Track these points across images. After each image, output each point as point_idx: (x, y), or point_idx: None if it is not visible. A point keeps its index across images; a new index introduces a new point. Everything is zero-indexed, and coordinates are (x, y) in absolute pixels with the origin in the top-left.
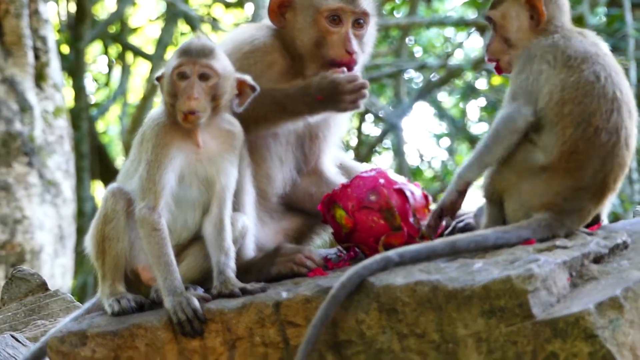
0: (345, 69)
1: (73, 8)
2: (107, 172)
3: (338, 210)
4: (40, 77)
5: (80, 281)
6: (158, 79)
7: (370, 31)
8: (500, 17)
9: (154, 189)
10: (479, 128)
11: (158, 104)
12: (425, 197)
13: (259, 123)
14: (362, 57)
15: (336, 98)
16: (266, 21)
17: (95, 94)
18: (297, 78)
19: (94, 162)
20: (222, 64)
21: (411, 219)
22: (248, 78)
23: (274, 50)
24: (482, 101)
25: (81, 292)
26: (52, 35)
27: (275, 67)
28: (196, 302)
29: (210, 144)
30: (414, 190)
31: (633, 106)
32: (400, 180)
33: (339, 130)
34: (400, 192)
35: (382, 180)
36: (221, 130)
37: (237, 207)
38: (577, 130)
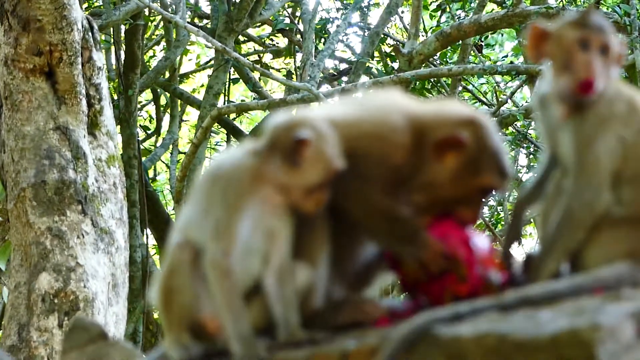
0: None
1: (123, 56)
2: (157, 220)
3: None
4: (93, 125)
5: (130, 330)
6: (298, 142)
7: None
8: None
9: (229, 234)
10: (529, 176)
11: (217, 151)
12: (492, 249)
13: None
14: None
15: (406, 245)
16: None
17: (145, 142)
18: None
19: (145, 209)
20: None
21: (477, 269)
22: None
23: (404, 150)
24: (531, 149)
25: (131, 340)
26: (105, 83)
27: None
28: (264, 352)
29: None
30: (481, 241)
31: None
32: (468, 230)
33: None
34: (468, 243)
35: (449, 230)
36: None
37: (310, 258)
38: None
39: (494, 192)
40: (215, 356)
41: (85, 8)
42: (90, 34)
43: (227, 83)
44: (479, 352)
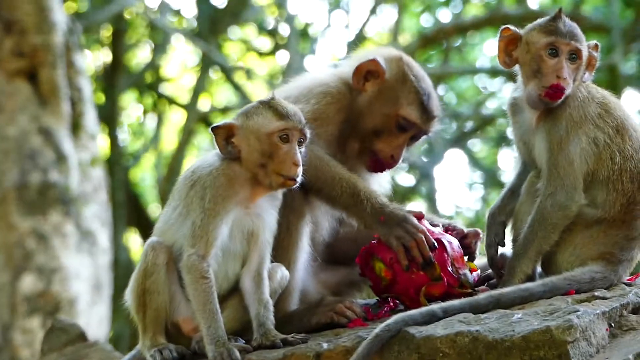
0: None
1: (108, 58)
2: (141, 221)
3: (377, 263)
4: (76, 127)
5: (115, 330)
6: (216, 129)
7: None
8: (585, 53)
9: (206, 238)
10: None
11: (201, 153)
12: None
13: (319, 192)
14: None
15: (394, 229)
16: (339, 71)
17: (129, 143)
18: (341, 142)
19: (129, 211)
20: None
21: (450, 269)
22: None
23: (340, 103)
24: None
25: (117, 342)
26: (87, 86)
27: (336, 118)
28: (237, 353)
29: (259, 201)
30: (452, 240)
31: None
32: (438, 229)
33: (381, 181)
34: (439, 242)
35: (433, 242)
36: None
37: (288, 261)
38: (633, 183)
39: (418, 135)
40: (190, 358)
41: (68, 10)
42: (73, 36)
43: (211, 85)
44: (451, 352)
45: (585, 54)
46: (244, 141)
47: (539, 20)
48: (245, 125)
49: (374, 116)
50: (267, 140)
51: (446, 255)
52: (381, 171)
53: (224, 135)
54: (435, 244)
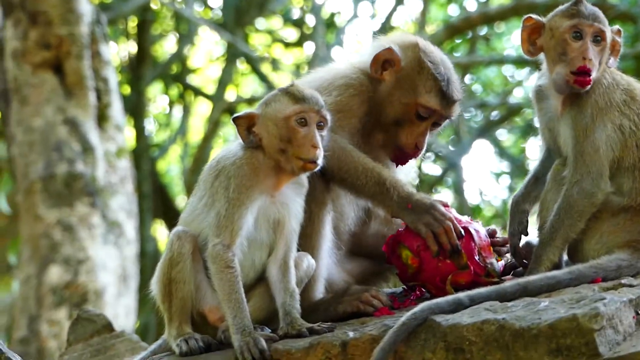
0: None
1: (134, 49)
2: (168, 212)
3: (404, 251)
4: (102, 118)
5: (142, 321)
6: (237, 119)
7: None
8: (609, 35)
9: (232, 227)
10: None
11: (228, 143)
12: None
13: (343, 182)
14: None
15: (422, 216)
16: (359, 62)
17: (156, 134)
18: (365, 133)
19: (156, 202)
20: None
21: (477, 257)
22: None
23: (363, 95)
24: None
25: (144, 332)
26: (113, 76)
27: (359, 110)
28: (263, 342)
29: (284, 189)
30: (479, 229)
31: None
32: (465, 218)
33: (406, 171)
34: (466, 231)
35: (461, 230)
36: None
37: (311, 249)
38: None
39: (439, 121)
40: (216, 347)
41: (94, 1)
42: (98, 27)
43: (237, 76)
44: (478, 340)
45: (609, 36)
46: (264, 129)
47: (561, 7)
48: (265, 113)
49: (394, 106)
50: (285, 124)
51: (473, 244)
52: (405, 162)
53: (246, 125)
54: (463, 232)
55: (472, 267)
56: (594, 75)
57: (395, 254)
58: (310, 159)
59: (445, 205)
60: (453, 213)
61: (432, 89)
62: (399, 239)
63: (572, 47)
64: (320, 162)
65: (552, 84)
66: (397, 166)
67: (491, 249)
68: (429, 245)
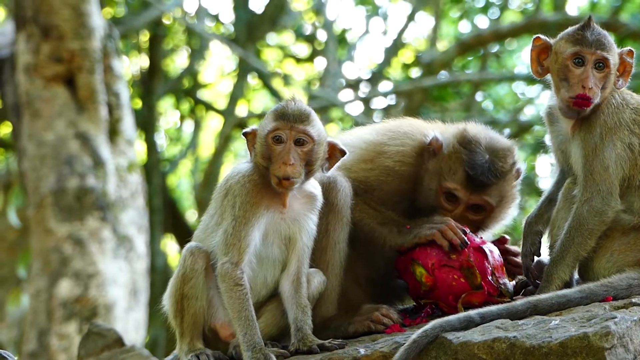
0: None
1: (145, 63)
2: (178, 227)
3: (418, 268)
4: (113, 132)
5: (152, 336)
6: (246, 134)
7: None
8: (613, 62)
9: (239, 245)
10: (548, 184)
11: (239, 159)
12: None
13: (360, 221)
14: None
15: (423, 226)
16: (419, 134)
17: (166, 149)
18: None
19: (166, 216)
20: (318, 129)
21: (490, 277)
22: (339, 142)
23: (406, 172)
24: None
25: (153, 347)
26: (125, 91)
27: (399, 183)
28: (274, 359)
29: (295, 205)
30: (492, 249)
31: None
32: (479, 238)
33: None
34: (480, 251)
35: (464, 229)
36: (305, 192)
37: (325, 264)
38: None
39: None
40: None
41: (106, 15)
42: (110, 41)
43: (249, 91)
44: (489, 358)
45: (613, 62)
46: (256, 146)
47: (569, 29)
48: (258, 130)
49: (428, 192)
50: (265, 142)
51: (487, 264)
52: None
53: (252, 141)
54: (466, 230)
55: (485, 287)
56: (595, 101)
57: (408, 271)
58: (281, 176)
59: (465, 233)
60: (468, 235)
61: (459, 174)
62: (413, 257)
63: (573, 74)
64: (296, 180)
65: (558, 108)
66: None
67: (504, 269)
68: (437, 240)
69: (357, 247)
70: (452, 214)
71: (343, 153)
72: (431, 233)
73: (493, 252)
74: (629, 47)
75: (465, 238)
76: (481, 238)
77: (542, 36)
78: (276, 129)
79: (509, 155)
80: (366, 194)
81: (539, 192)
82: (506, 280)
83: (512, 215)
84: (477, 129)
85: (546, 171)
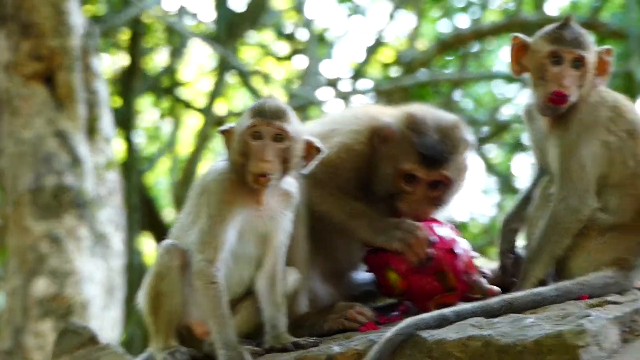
0: None
1: (125, 61)
2: (155, 225)
3: (391, 274)
4: (91, 131)
5: (128, 334)
6: (223, 132)
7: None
8: (590, 60)
9: (214, 243)
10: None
11: (217, 157)
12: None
13: (328, 213)
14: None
15: (393, 233)
16: (368, 117)
17: (145, 147)
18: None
19: (143, 214)
20: (295, 126)
21: (464, 278)
22: (316, 140)
23: (362, 152)
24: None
25: (129, 345)
26: (104, 89)
27: (357, 162)
28: (249, 356)
29: (271, 202)
30: (464, 246)
31: None
32: (449, 235)
33: None
34: (452, 252)
35: (434, 239)
36: (281, 189)
37: (294, 262)
38: None
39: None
40: None
41: (86, 13)
42: (90, 39)
43: (228, 89)
44: (463, 356)
45: (591, 60)
46: (232, 144)
47: (547, 28)
48: (235, 127)
49: (385, 180)
50: (242, 139)
51: (459, 264)
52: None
53: (229, 139)
54: (436, 239)
55: (459, 289)
56: (571, 100)
57: (381, 273)
58: (258, 173)
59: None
60: (440, 230)
61: (414, 155)
62: (387, 261)
63: (550, 72)
64: (272, 176)
65: (535, 106)
66: None
67: (474, 265)
68: (407, 256)
69: (317, 242)
70: (415, 197)
71: (319, 151)
72: (401, 247)
73: (465, 250)
74: (607, 46)
75: (431, 251)
76: (451, 226)
77: (520, 35)
78: (254, 125)
79: (456, 129)
80: (331, 182)
81: (516, 191)
82: (479, 277)
83: (466, 185)
84: (422, 111)
85: (523, 170)
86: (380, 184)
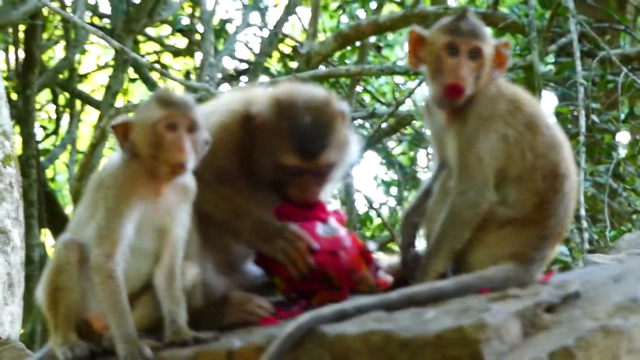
0: None
1: (22, 55)
2: (55, 219)
3: (277, 279)
4: None
5: (28, 329)
6: (117, 126)
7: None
8: (487, 52)
9: (112, 237)
10: (428, 176)
11: (111, 151)
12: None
13: (212, 213)
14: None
15: (276, 241)
16: (244, 100)
17: (43, 141)
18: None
19: (42, 209)
20: (200, 117)
21: (349, 275)
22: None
23: (240, 133)
24: (430, 149)
25: (29, 340)
26: (1, 83)
27: (235, 142)
28: (148, 351)
29: (168, 195)
30: (346, 245)
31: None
32: (331, 234)
33: None
34: (334, 254)
35: (315, 246)
36: (179, 182)
37: (188, 254)
38: (545, 181)
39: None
40: (101, 355)
41: None
42: None
43: (126, 83)
44: (364, 350)
45: (488, 52)
46: (138, 136)
47: (443, 20)
48: (137, 120)
49: (267, 170)
50: (153, 130)
51: (344, 265)
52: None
53: (122, 133)
54: (317, 245)
55: (345, 287)
56: (467, 92)
57: (269, 275)
58: (176, 164)
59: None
60: (323, 229)
61: (291, 147)
62: (271, 268)
63: (447, 64)
64: (188, 165)
65: (432, 100)
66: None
67: (360, 259)
68: (288, 268)
69: (208, 232)
70: (301, 184)
71: (208, 143)
72: (283, 259)
73: (347, 249)
74: (505, 39)
75: (313, 263)
76: (337, 213)
77: (417, 28)
78: (169, 117)
79: (328, 106)
80: (211, 170)
81: (418, 184)
82: (366, 273)
83: (353, 154)
84: (290, 92)
85: (424, 163)
86: (263, 173)
